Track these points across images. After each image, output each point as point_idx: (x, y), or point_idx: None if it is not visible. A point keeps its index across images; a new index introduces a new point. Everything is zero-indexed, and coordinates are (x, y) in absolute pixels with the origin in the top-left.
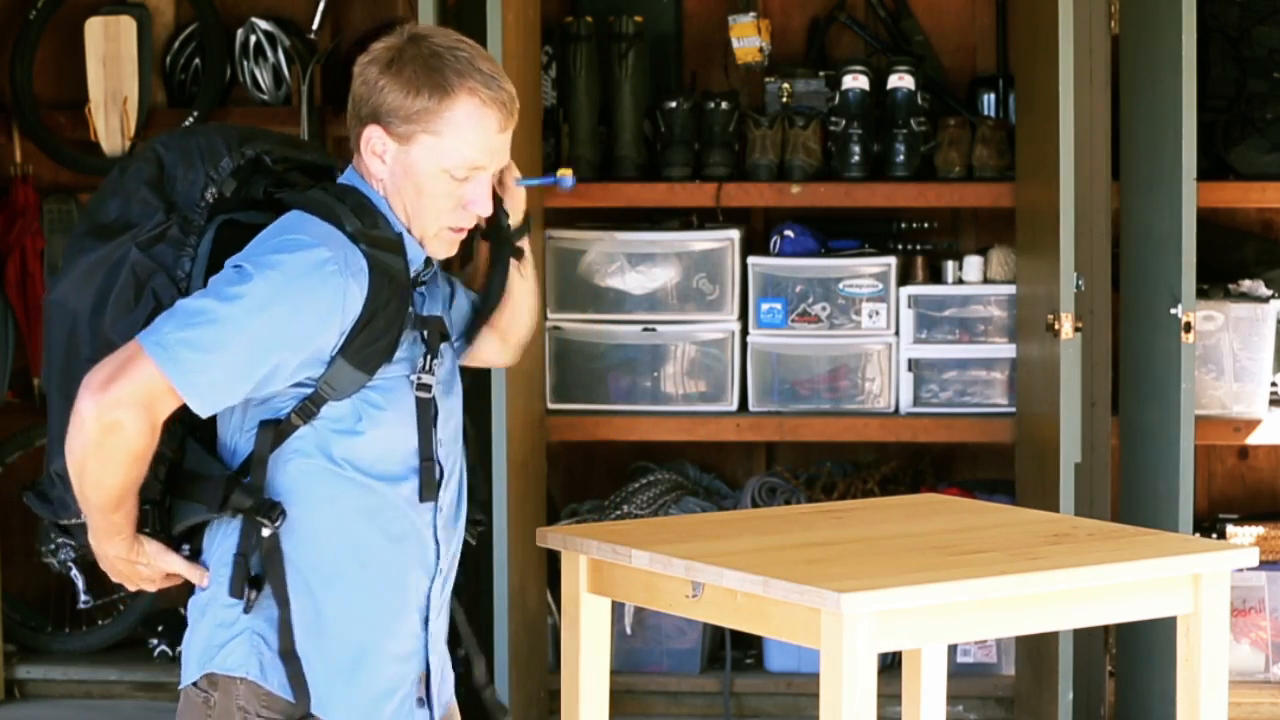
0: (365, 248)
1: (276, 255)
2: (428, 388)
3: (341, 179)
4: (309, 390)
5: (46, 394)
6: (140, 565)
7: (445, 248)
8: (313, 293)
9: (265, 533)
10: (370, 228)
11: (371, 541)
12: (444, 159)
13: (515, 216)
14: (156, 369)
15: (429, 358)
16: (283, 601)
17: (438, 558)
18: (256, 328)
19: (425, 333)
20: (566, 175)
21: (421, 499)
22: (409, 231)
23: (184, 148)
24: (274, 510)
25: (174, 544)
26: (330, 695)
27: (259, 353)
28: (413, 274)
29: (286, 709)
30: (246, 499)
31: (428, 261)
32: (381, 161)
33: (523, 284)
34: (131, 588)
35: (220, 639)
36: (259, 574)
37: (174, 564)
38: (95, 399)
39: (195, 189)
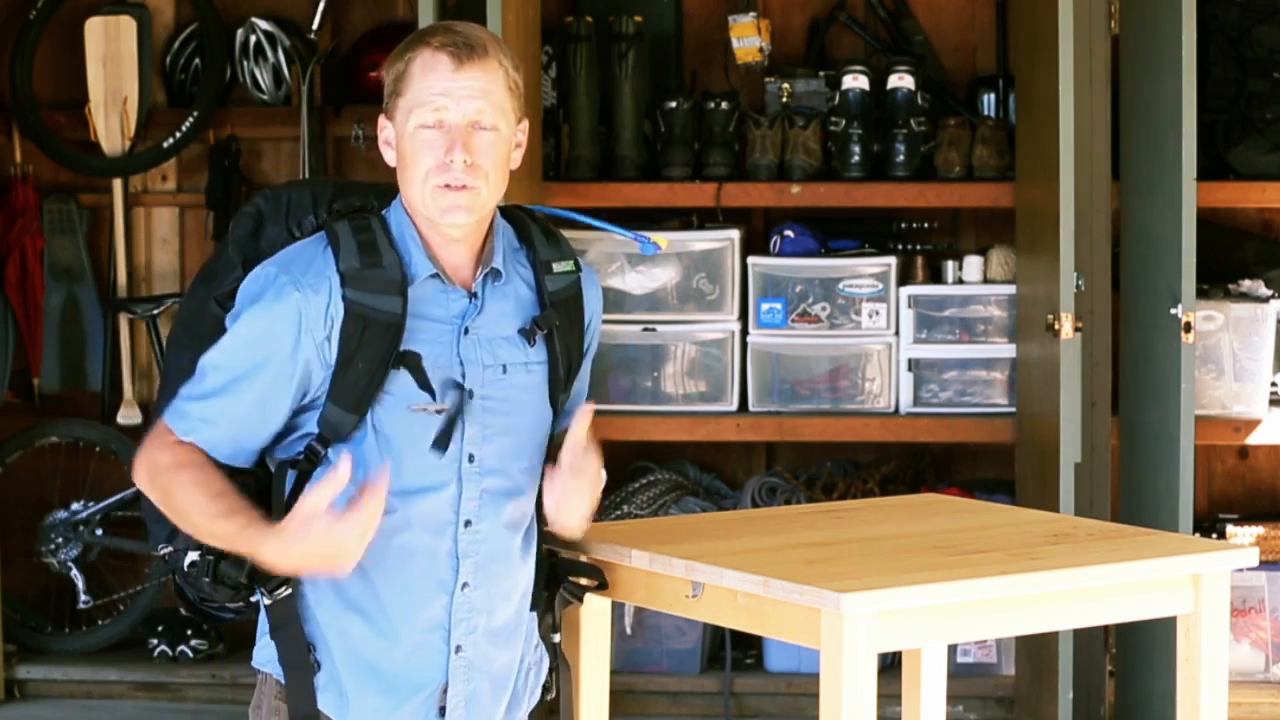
0: (348, 291)
1: (244, 290)
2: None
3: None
4: (314, 433)
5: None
6: (298, 549)
7: (448, 211)
8: (269, 308)
9: (265, 601)
10: (369, 267)
11: (366, 563)
12: (413, 114)
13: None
14: (169, 429)
15: (430, 392)
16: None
17: (456, 573)
18: (235, 363)
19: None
20: (660, 241)
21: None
22: (421, 225)
23: (277, 201)
24: (269, 583)
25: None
26: (335, 702)
27: (245, 383)
28: (409, 281)
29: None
30: (235, 571)
31: (492, 272)
32: (392, 148)
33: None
34: (343, 561)
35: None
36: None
37: (307, 505)
38: (136, 467)
39: (276, 245)
